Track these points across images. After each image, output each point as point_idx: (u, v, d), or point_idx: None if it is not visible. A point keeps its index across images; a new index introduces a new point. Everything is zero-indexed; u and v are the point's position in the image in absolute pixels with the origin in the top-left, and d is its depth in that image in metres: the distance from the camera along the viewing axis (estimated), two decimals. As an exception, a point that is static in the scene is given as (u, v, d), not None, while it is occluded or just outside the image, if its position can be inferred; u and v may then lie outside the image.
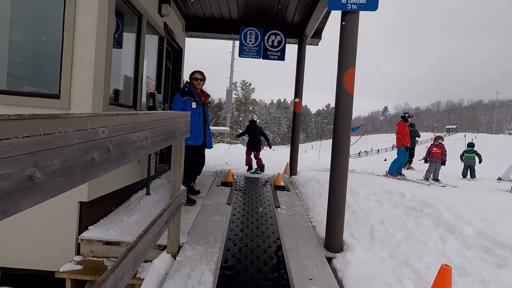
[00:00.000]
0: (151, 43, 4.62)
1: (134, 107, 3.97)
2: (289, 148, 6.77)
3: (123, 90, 3.89)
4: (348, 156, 3.16)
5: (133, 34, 3.99)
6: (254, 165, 7.27)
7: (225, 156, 10.89)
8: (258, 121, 8.31)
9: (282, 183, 5.30)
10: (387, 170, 8.27)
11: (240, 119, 54.21)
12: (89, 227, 3.06)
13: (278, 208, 4.14)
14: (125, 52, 3.97)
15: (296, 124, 6.37)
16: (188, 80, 4.14)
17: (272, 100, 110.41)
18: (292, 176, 6.22)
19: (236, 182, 5.57)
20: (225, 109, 19.73)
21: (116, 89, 3.63)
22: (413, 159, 11.59)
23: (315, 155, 22.97)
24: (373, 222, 4.02)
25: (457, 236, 3.71)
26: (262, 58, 6.16)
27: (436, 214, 4.35)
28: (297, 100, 6.24)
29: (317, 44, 6.66)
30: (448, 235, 3.74)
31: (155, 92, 4.22)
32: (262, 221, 3.71)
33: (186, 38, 6.46)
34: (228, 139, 17.18)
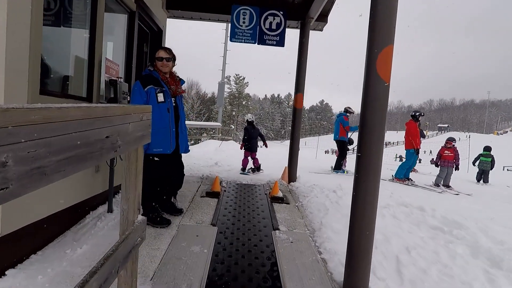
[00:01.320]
0: (117, 20, 3.66)
1: (88, 99, 3.01)
2: (283, 144, 5.93)
3: (74, 77, 2.93)
4: (380, 170, 2.27)
5: (87, 3, 3.01)
6: (250, 165, 7.08)
7: (215, 155, 9.96)
8: (254, 120, 7.57)
9: (280, 194, 4.41)
10: (393, 174, 7.46)
11: (233, 113, 53.10)
12: (7, 271, 2.12)
13: (277, 231, 3.25)
14: (77, 26, 2.99)
15: (296, 122, 5.47)
16: (152, 63, 3.10)
17: (266, 95, 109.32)
18: (291, 183, 5.33)
19: (226, 191, 4.66)
20: (217, 104, 18.71)
21: (60, 75, 2.67)
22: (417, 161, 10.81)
23: (311, 153, 22.04)
24: (397, 251, 3.16)
25: (507, 274, 2.88)
26: (258, 43, 5.22)
27: (471, 239, 3.53)
28: (298, 93, 5.33)
29: (321, 29, 5.75)
30: (496, 272, 2.90)
31: (117, 79, 3.25)
32: (257, 252, 2.81)
33: (168, 20, 5.47)
34: (220, 135, 16.19)
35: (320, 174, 7.73)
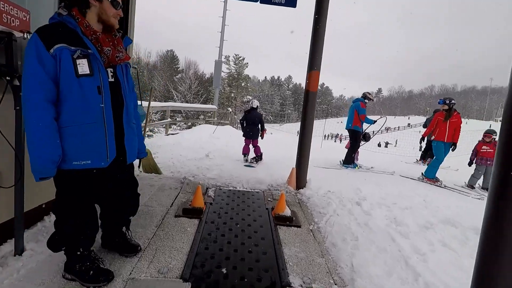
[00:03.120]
0: None
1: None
2: (282, 129, 4.65)
3: None
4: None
5: None
6: (253, 154, 6.71)
7: (208, 143, 8.63)
8: (258, 106, 6.87)
9: (287, 211, 3.14)
10: (423, 173, 6.22)
11: (232, 95, 51.37)
12: None
13: (287, 291, 2.01)
14: None
15: (308, 109, 4.15)
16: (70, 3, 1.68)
17: (265, 77, 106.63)
18: (301, 191, 4.06)
19: (212, 204, 3.38)
20: (213, 84, 17.20)
21: None
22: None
23: (314, 141, 20.66)
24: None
25: None
26: (261, 2, 3.83)
27: None
28: (312, 71, 4.00)
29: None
30: None
31: (22, 34, 1.90)
32: None
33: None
34: (215, 119, 14.77)
35: (330, 171, 6.49)
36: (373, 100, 7.41)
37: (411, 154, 16.11)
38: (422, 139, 6.96)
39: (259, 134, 6.79)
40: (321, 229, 3.01)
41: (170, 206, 3.15)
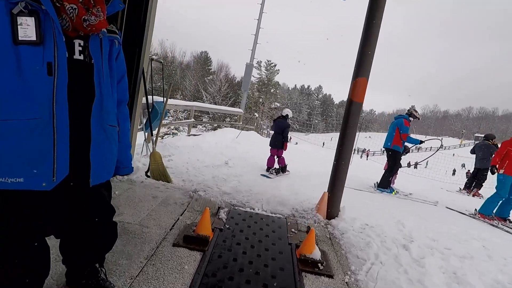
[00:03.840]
0: None
1: None
2: (308, 139, 3.97)
3: None
4: None
5: None
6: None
7: (230, 148, 8.05)
8: (288, 116, 6.51)
9: (316, 254, 2.41)
10: (477, 209, 5.27)
11: (260, 100, 50.96)
12: None
13: None
14: None
15: (350, 122, 3.40)
16: None
17: (295, 85, 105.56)
18: (332, 222, 3.31)
19: (222, 231, 2.73)
20: (242, 87, 16.72)
21: None
22: (483, 183, 8.42)
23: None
24: None
25: None
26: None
27: None
28: (359, 77, 3.27)
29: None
30: None
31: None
32: None
33: None
34: (241, 123, 14.22)
35: (363, 194, 5.68)
36: (419, 119, 6.52)
37: (444, 179, 14.76)
38: (494, 167, 5.22)
39: (283, 144, 6.33)
40: (360, 283, 2.27)
41: (170, 229, 2.53)
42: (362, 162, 17.85)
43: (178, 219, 2.76)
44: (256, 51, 17.95)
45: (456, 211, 5.54)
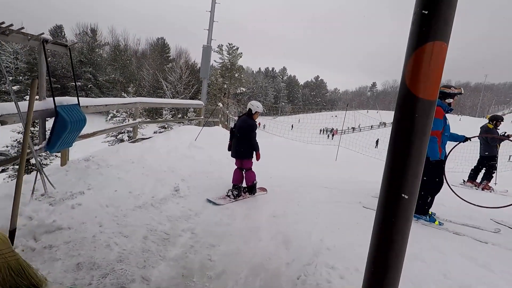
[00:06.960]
0: None
1: None
2: (277, 121, 2.51)
3: None
4: None
5: None
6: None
7: (184, 160, 6.00)
8: (257, 112, 4.53)
9: None
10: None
11: (225, 86, 48.28)
12: None
13: None
14: None
15: (419, 133, 1.56)
16: None
17: (260, 68, 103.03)
18: None
19: None
20: (201, 74, 14.43)
21: None
22: (494, 174, 7.14)
23: (313, 139, 17.26)
24: None
25: None
26: None
27: None
28: (435, 41, 1.43)
29: None
30: None
31: None
32: None
33: None
34: (202, 117, 12.07)
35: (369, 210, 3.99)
36: (461, 93, 4.11)
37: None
38: None
39: (251, 153, 4.47)
40: None
41: None
42: (352, 159, 12.95)
43: None
44: (216, 35, 15.62)
45: (497, 222, 3.97)
